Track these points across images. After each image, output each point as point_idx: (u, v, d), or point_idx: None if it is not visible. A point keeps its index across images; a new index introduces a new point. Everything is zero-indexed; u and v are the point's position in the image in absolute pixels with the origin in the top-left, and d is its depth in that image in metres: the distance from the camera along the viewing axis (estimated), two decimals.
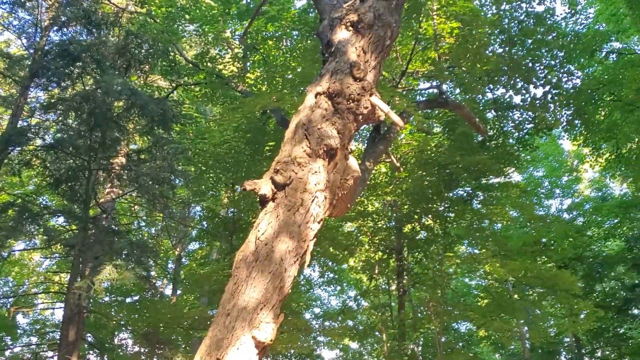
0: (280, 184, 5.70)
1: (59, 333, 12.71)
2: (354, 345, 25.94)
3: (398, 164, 13.23)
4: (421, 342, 18.06)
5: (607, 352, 23.07)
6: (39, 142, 13.35)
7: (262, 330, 5.56)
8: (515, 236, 17.92)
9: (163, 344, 14.95)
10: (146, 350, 17.95)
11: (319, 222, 6.15)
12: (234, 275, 5.92)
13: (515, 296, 18.15)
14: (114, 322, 18.93)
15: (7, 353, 21.75)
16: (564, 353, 24.45)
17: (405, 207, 17.06)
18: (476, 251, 17.17)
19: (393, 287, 18.73)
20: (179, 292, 21.11)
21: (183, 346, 14.35)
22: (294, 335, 15.18)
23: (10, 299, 21.11)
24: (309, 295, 24.96)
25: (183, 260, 22.02)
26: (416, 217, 17.05)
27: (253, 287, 5.63)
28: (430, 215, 16.74)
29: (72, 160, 12.22)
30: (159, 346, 15.15)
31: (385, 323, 17.28)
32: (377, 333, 20.05)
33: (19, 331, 22.05)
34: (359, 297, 21.52)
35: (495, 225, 18.86)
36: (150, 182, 12.19)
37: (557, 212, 25.36)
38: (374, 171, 17.40)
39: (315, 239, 6.21)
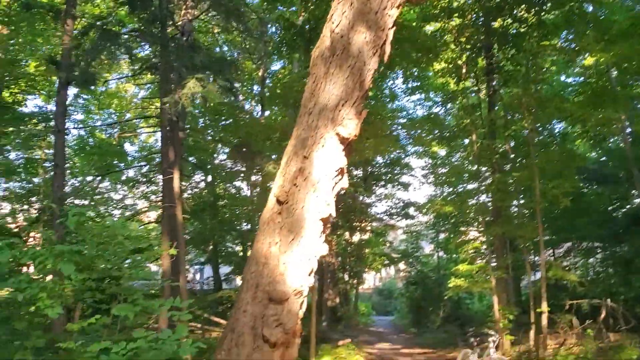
0: None
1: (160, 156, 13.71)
2: (442, 152, 26.25)
3: None
4: (512, 142, 17.69)
5: None
6: None
7: (346, 126, 5.50)
8: (622, 18, 15.95)
9: (255, 156, 15.80)
10: (240, 162, 19.18)
11: (397, 7, 5.62)
12: (312, 73, 5.73)
13: (618, 88, 16.84)
14: (210, 139, 20.16)
15: (123, 177, 24.24)
16: None
17: None
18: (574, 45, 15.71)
19: (482, 88, 18.01)
20: (267, 112, 21.72)
21: (273, 156, 15.08)
22: (380, 140, 15.32)
23: (115, 130, 22.86)
24: (393, 107, 24.87)
25: (267, 82, 22.22)
26: (508, 8, 15.55)
27: (332, 84, 5.45)
28: (524, 5, 15.19)
29: None
30: (251, 157, 16.05)
31: (474, 124, 16.91)
32: (465, 141, 19.90)
33: (129, 158, 24.23)
34: (445, 102, 21.01)
35: (598, 10, 16.93)
36: None
37: None
38: None
39: (394, 27, 5.75)
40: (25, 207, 19.40)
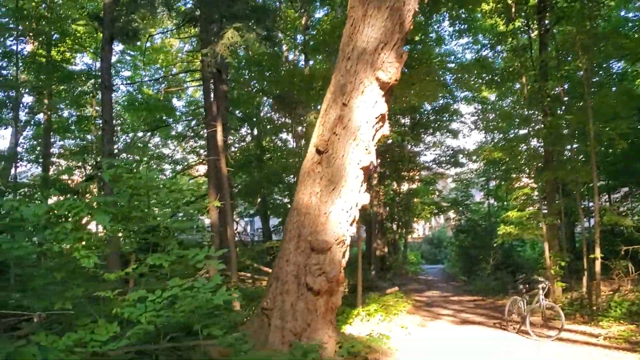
0: None
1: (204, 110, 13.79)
2: (492, 97, 25.32)
3: None
4: (566, 84, 16.80)
5: None
6: None
7: (386, 70, 5.29)
8: None
9: (297, 106, 15.68)
10: (283, 113, 19.08)
11: None
12: (350, 16, 5.50)
13: None
14: (253, 90, 20.09)
15: (173, 133, 24.70)
16: None
17: None
18: None
19: (533, 28, 17.03)
20: (311, 62, 21.38)
21: (318, 107, 14.91)
22: (426, 85, 14.83)
23: (162, 85, 23.14)
24: (440, 52, 23.95)
25: (310, 31, 21.75)
26: None
27: (371, 26, 5.22)
28: None
29: None
30: (293, 108, 15.95)
31: (525, 66, 16.11)
32: (516, 85, 19.08)
33: (177, 113, 24.60)
34: (494, 44, 20.04)
35: None
36: None
37: None
38: None
39: None
40: (80, 163, 20.14)
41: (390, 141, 22.00)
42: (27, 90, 18.12)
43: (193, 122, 22.86)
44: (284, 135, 23.77)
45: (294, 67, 21.31)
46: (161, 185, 5.39)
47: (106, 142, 12.73)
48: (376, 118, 6.13)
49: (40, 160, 18.93)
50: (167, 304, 4.14)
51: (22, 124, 19.09)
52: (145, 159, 21.93)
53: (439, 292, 20.20)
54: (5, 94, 17.53)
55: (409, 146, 25.99)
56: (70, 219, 4.20)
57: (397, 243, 28.81)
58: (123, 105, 23.61)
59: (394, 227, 28.02)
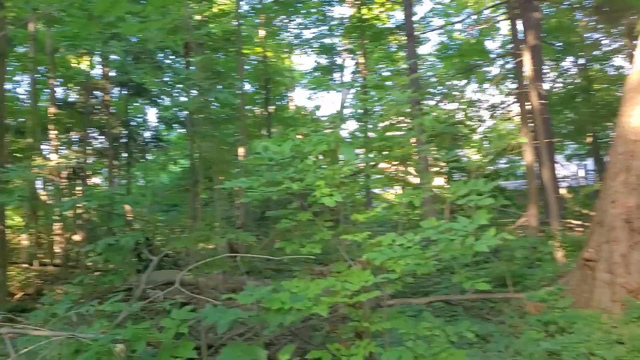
0: None
1: None
2: None
3: None
4: None
5: None
6: None
7: None
8: None
9: (620, 15, 12.81)
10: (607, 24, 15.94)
11: None
12: None
13: None
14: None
15: (487, 76, 23.63)
16: None
17: None
18: None
19: None
20: None
21: None
22: None
23: (472, 30, 22.24)
24: None
25: None
26: None
27: None
28: None
29: None
30: (615, 18, 13.12)
31: None
32: None
33: (490, 56, 23.45)
34: None
35: None
36: None
37: None
38: None
39: None
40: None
41: None
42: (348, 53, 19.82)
43: (508, 63, 21.49)
44: (616, 62, 20.31)
45: None
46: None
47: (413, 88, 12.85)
48: None
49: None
50: (419, 248, 3.62)
51: (346, 87, 21.03)
52: (460, 105, 21.76)
53: None
54: (330, 59, 19.47)
55: None
56: (314, 155, 4.09)
57: None
58: (435, 55, 23.75)
59: None
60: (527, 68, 11.09)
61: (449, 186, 4.16)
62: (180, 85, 13.54)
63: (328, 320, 5.44)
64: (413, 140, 5.52)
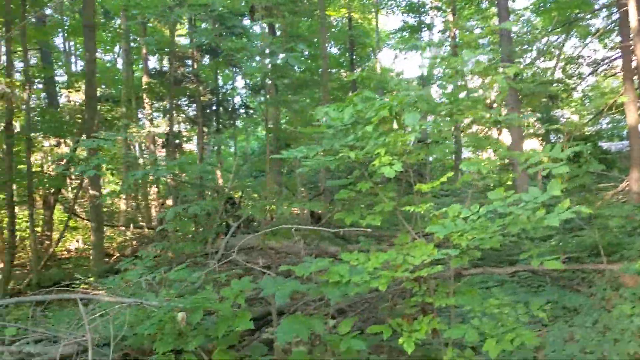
0: None
1: None
2: None
3: None
4: None
5: None
6: None
7: None
8: None
9: None
10: None
11: None
12: None
13: None
14: None
15: (591, 29, 21.74)
16: None
17: None
18: None
19: None
20: None
21: None
22: None
23: None
24: None
25: None
26: None
27: None
28: None
29: None
30: None
31: None
32: None
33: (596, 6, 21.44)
34: None
35: None
36: None
37: None
38: None
39: None
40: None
41: None
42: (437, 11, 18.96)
43: (612, 15, 19.54)
44: None
45: None
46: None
47: (504, 46, 12.04)
48: None
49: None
50: (487, 220, 3.33)
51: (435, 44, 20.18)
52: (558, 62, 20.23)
53: None
54: (418, 17, 18.77)
55: None
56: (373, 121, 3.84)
57: None
58: (532, 10, 22.11)
59: None
60: (633, 19, 10.08)
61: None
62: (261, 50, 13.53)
63: (392, 293, 5.30)
64: (487, 101, 5.13)
